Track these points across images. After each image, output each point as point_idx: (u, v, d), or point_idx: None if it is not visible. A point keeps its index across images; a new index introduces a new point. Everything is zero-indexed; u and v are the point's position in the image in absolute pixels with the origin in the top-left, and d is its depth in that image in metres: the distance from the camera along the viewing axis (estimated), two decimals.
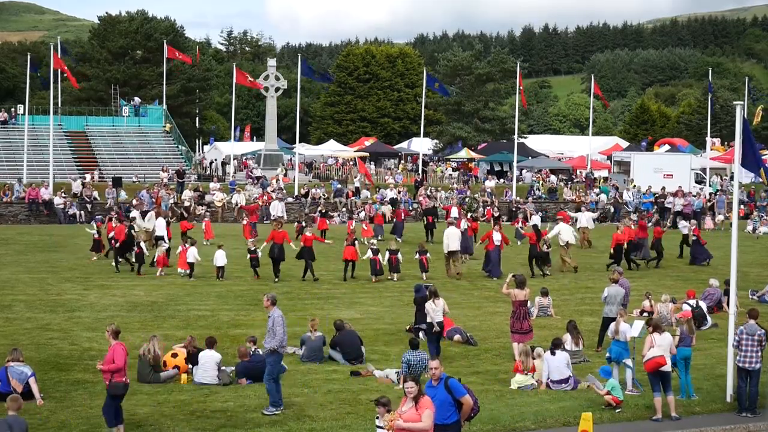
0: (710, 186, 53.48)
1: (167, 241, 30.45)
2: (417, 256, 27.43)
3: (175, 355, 16.10)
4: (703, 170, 55.22)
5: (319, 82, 79.10)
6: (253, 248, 27.03)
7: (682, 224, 33.94)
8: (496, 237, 27.65)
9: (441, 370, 10.75)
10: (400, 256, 27.38)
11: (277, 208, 39.05)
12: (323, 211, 39.75)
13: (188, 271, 26.53)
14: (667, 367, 13.97)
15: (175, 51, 65.29)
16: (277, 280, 26.26)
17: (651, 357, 13.89)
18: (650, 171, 51.99)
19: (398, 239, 34.88)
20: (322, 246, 33.87)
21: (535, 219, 38.84)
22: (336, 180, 51.81)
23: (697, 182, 52.14)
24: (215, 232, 35.22)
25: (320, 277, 26.87)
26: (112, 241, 29.13)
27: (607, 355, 15.58)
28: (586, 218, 34.89)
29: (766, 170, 15.18)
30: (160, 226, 31.49)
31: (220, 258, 26.50)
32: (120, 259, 28.07)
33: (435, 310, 17.05)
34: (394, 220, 38.06)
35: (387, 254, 26.96)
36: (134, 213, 33.07)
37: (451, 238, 27.77)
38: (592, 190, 50.57)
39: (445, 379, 10.62)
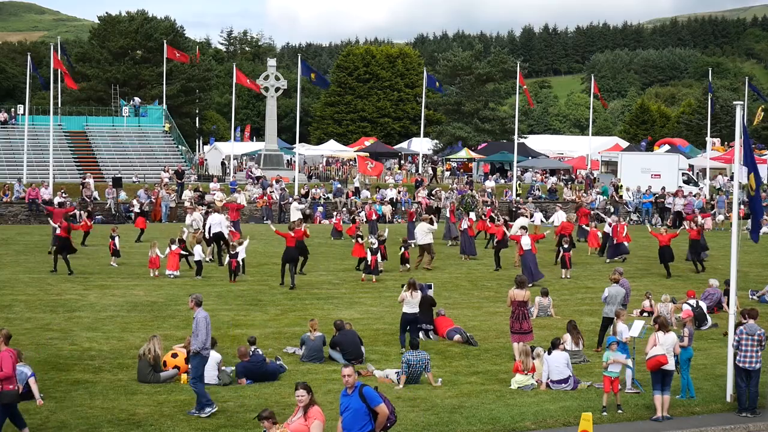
0: (717, 186, 53.24)
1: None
2: (401, 250, 28.41)
3: (175, 355, 16.09)
4: (703, 170, 55.08)
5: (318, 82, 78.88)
6: (234, 252, 26.22)
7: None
8: (525, 241, 26.00)
9: (355, 378, 10.29)
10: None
11: (296, 214, 38.59)
12: (353, 217, 39.29)
13: (177, 273, 26.43)
14: (670, 366, 13.95)
15: (175, 51, 65.29)
16: (302, 273, 26.71)
17: (653, 355, 13.88)
18: (638, 171, 51.75)
19: (413, 243, 32.49)
20: (321, 248, 33.96)
21: (537, 218, 38.87)
22: (336, 180, 51.82)
23: (684, 182, 51.83)
24: None
25: (320, 277, 27.00)
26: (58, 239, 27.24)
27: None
28: (559, 217, 34.49)
29: (756, 176, 15.15)
30: (216, 224, 29.55)
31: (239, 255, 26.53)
32: (58, 257, 26.63)
33: (410, 302, 17.50)
34: (407, 222, 37.01)
35: (376, 243, 27.56)
36: (196, 215, 31.87)
37: (420, 233, 28.95)
38: (593, 190, 50.54)
39: (360, 387, 10.21)
